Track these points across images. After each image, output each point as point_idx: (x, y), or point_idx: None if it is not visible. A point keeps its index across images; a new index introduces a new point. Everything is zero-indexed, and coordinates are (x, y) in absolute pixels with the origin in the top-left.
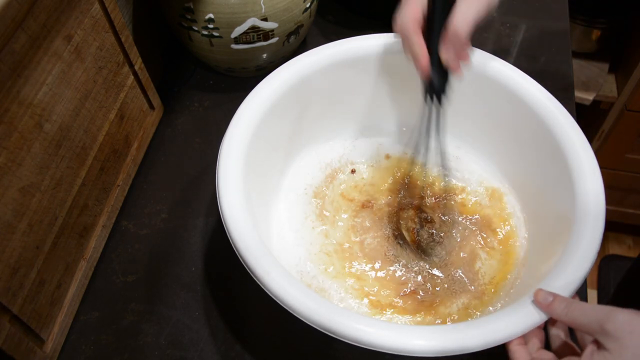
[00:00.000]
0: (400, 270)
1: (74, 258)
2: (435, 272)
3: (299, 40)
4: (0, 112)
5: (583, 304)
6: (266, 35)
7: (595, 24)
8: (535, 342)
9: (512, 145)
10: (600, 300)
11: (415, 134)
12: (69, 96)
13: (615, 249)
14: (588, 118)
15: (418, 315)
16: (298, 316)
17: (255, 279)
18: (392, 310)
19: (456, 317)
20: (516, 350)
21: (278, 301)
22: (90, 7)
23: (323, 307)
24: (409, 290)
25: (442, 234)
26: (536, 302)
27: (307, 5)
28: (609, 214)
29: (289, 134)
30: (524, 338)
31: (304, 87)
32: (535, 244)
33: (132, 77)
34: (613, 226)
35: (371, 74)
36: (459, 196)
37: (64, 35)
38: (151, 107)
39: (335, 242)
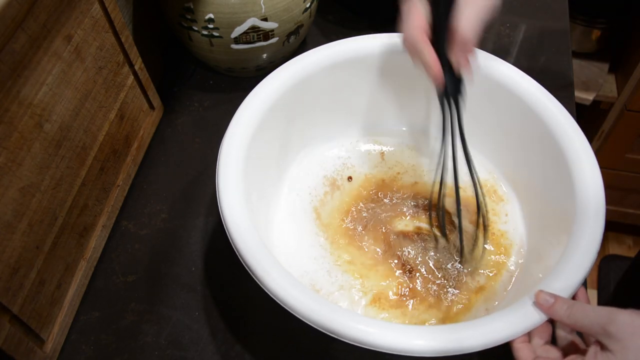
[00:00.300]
0: (400, 270)
1: (74, 258)
2: (435, 271)
3: (299, 40)
4: (0, 112)
5: (584, 305)
6: (266, 35)
7: (595, 24)
8: (542, 338)
9: (512, 145)
10: (600, 300)
11: (419, 143)
12: (69, 96)
13: (615, 249)
14: (588, 118)
15: (416, 315)
16: (298, 316)
17: (255, 279)
18: (392, 310)
19: (453, 316)
20: (520, 348)
21: (278, 301)
22: (90, 7)
23: (323, 307)
24: (408, 291)
25: (447, 246)
26: (537, 304)
27: (307, 5)
28: (609, 214)
29: (289, 134)
30: (529, 334)
31: (304, 87)
32: (535, 243)
33: (132, 77)
34: (613, 226)
35: (371, 74)
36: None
37: (64, 35)
38: (151, 107)
39: (335, 242)
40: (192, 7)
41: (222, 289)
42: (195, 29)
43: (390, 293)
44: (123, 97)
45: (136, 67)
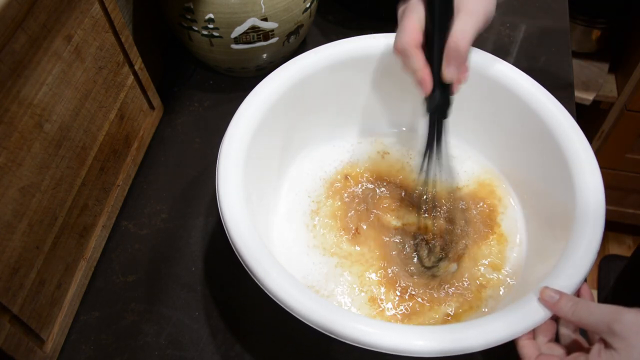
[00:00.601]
0: (400, 271)
1: (74, 258)
2: (435, 271)
3: (299, 40)
4: (0, 112)
5: (589, 303)
6: (266, 35)
7: (595, 24)
8: (546, 336)
9: (512, 145)
10: (600, 300)
11: (419, 144)
12: (69, 96)
13: (615, 249)
14: (588, 118)
15: (417, 314)
16: (298, 316)
17: (254, 279)
18: (392, 311)
19: (452, 316)
20: (524, 345)
21: (278, 302)
22: (90, 7)
23: (323, 307)
24: (408, 292)
25: (444, 247)
26: (542, 300)
27: (307, 5)
28: (609, 214)
29: (289, 134)
30: (533, 332)
31: (304, 87)
32: (534, 243)
33: (132, 77)
34: (613, 226)
35: (371, 74)
36: (460, 197)
37: (64, 35)
38: (151, 107)
39: (335, 242)
40: (192, 7)
41: (222, 289)
42: (195, 29)
43: (392, 291)
44: (123, 97)
45: (136, 67)
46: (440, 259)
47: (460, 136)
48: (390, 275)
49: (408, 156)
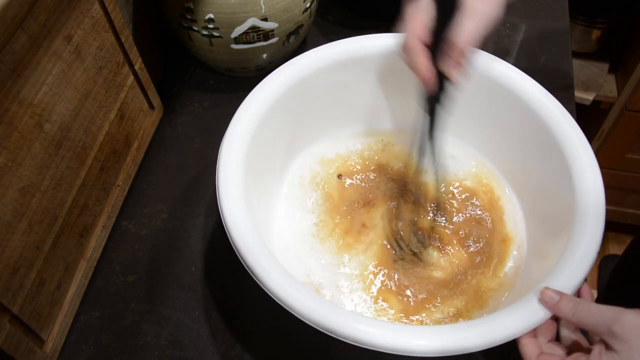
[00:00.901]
0: (402, 268)
1: (74, 258)
2: (433, 271)
3: (299, 40)
4: (0, 112)
5: (590, 304)
6: (266, 35)
7: (595, 24)
8: (546, 337)
9: (512, 145)
10: (600, 300)
11: (415, 139)
12: (69, 96)
13: (615, 249)
14: (588, 118)
15: (418, 313)
16: (298, 316)
17: (255, 278)
18: (395, 307)
19: (452, 315)
20: (526, 344)
21: (278, 301)
22: (90, 7)
23: (323, 306)
24: (408, 292)
25: (436, 236)
26: (542, 301)
27: (307, 5)
28: (609, 214)
29: (289, 134)
30: (534, 331)
31: (304, 87)
32: (534, 243)
33: (132, 77)
34: (613, 226)
35: (371, 74)
36: (460, 197)
37: (64, 35)
38: (151, 107)
39: (335, 241)
40: (192, 7)
41: (222, 289)
42: (195, 29)
43: (392, 290)
44: (123, 97)
45: (136, 67)
46: (440, 251)
47: (460, 136)
48: (392, 274)
49: (408, 154)
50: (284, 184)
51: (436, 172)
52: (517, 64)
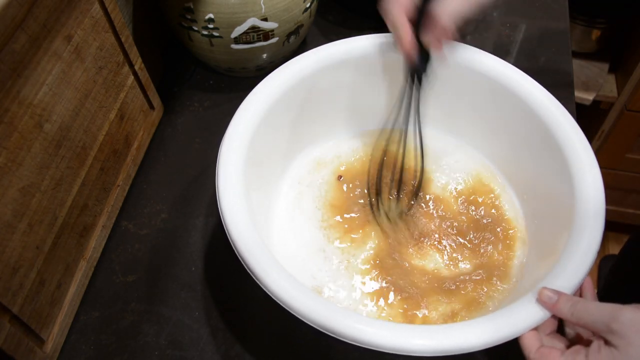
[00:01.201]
0: (401, 271)
1: (74, 258)
2: (432, 267)
3: (299, 40)
4: (0, 112)
5: (588, 302)
6: (266, 35)
7: (595, 24)
8: (547, 328)
9: (512, 145)
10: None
11: (394, 115)
12: (69, 96)
13: (615, 249)
14: (588, 118)
15: (419, 312)
16: (298, 316)
17: (254, 278)
18: (396, 306)
19: (453, 315)
20: (525, 337)
21: (278, 301)
22: (90, 7)
23: (323, 306)
24: (410, 287)
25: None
26: (540, 301)
27: (307, 5)
28: (609, 214)
29: (289, 134)
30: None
31: (304, 87)
32: (534, 243)
33: (132, 77)
34: (613, 226)
35: (371, 74)
36: (460, 197)
37: (64, 35)
38: (151, 107)
39: (334, 241)
40: (192, 7)
41: (222, 289)
42: (195, 29)
43: (394, 289)
44: (123, 97)
45: (136, 67)
46: (440, 251)
47: (460, 135)
48: (393, 273)
49: (408, 155)
50: (283, 183)
51: (418, 146)
52: (517, 64)
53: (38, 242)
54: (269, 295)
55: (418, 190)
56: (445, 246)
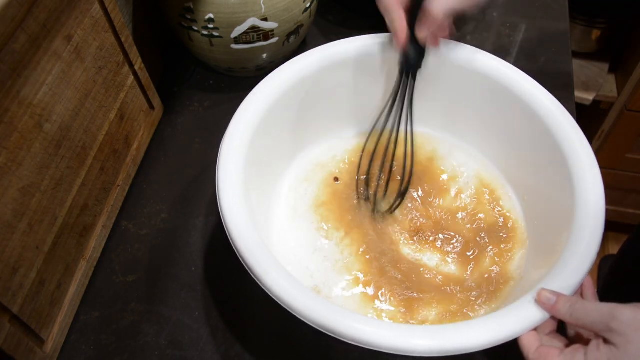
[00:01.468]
0: (402, 270)
1: (74, 258)
2: (431, 267)
3: (299, 40)
4: (0, 112)
5: (586, 303)
6: (266, 35)
7: (595, 24)
8: (547, 328)
9: (512, 145)
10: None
11: (434, 141)
12: (69, 96)
13: (615, 249)
14: (588, 118)
15: (417, 312)
16: (298, 316)
17: (254, 278)
18: (396, 306)
19: (453, 315)
20: (524, 337)
21: (278, 301)
22: (90, 7)
23: (323, 306)
24: (408, 291)
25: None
26: (539, 302)
27: (307, 5)
28: (609, 214)
29: (289, 134)
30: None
31: (304, 87)
32: (534, 243)
33: (132, 77)
34: (613, 226)
35: (371, 74)
36: (460, 197)
37: (64, 35)
38: (151, 107)
39: (334, 240)
40: (192, 7)
41: (222, 289)
42: (195, 29)
43: (391, 289)
44: (123, 97)
45: (136, 67)
46: (441, 251)
47: (460, 135)
48: (393, 272)
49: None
50: (283, 183)
51: (409, 137)
52: (517, 64)
53: (38, 242)
54: (269, 295)
55: (408, 184)
56: (444, 246)
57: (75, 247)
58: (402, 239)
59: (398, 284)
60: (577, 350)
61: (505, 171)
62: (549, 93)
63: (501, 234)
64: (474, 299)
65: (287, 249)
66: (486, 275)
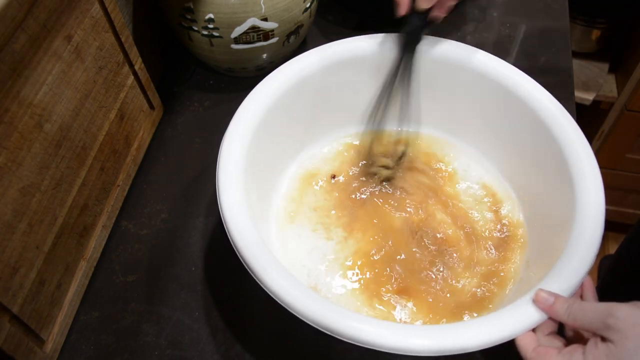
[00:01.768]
0: (401, 269)
1: (74, 258)
2: (430, 267)
3: (299, 40)
4: (0, 112)
5: (583, 303)
6: (266, 35)
7: (595, 24)
8: (546, 329)
9: (512, 145)
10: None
11: (433, 141)
12: (69, 96)
13: (615, 249)
14: (588, 118)
15: (415, 312)
16: (298, 315)
17: (255, 278)
18: (395, 305)
19: (452, 314)
20: (522, 338)
21: (278, 300)
22: (90, 7)
23: (322, 306)
24: (411, 286)
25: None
26: (536, 302)
27: (307, 5)
28: (609, 214)
29: (289, 134)
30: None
31: (304, 87)
32: (534, 243)
33: (132, 77)
34: (613, 226)
35: (371, 74)
36: (460, 197)
37: (64, 35)
38: (151, 107)
39: (334, 240)
40: (192, 7)
41: (222, 289)
42: (195, 29)
43: (394, 288)
44: (123, 97)
45: (136, 67)
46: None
47: (459, 136)
48: (393, 271)
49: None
50: (283, 183)
51: (404, 117)
52: (517, 64)
53: (38, 242)
54: (269, 295)
55: (404, 153)
56: (444, 245)
57: (75, 247)
58: (402, 238)
59: (398, 283)
60: (575, 349)
61: (504, 171)
62: (549, 93)
63: (501, 234)
64: (473, 299)
65: (287, 248)
66: (486, 276)
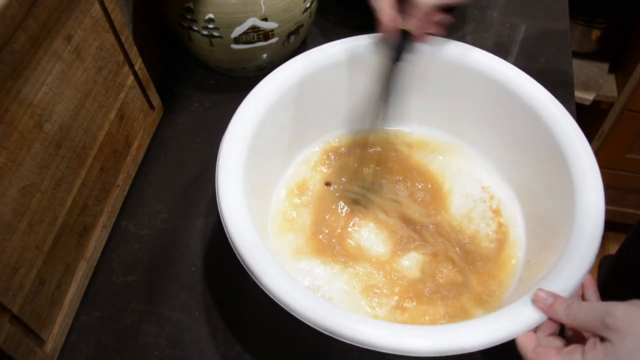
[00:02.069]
0: (400, 268)
1: (74, 258)
2: (430, 267)
3: (299, 40)
4: (0, 112)
5: (582, 303)
6: (266, 35)
7: (595, 24)
8: (547, 330)
9: (512, 145)
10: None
11: (432, 142)
12: (69, 96)
13: (615, 249)
14: (588, 118)
15: (414, 313)
16: (297, 316)
17: (254, 279)
18: (394, 305)
19: (453, 315)
20: (522, 338)
21: (277, 301)
22: (90, 7)
23: (322, 306)
24: (410, 286)
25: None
26: (535, 302)
27: (307, 5)
28: (609, 214)
29: (289, 134)
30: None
31: (304, 86)
32: (534, 243)
33: (132, 77)
34: (613, 226)
35: (371, 74)
36: (459, 197)
37: (64, 35)
38: (151, 107)
39: (335, 239)
40: (192, 7)
41: (222, 289)
42: (195, 29)
43: (393, 288)
44: (123, 97)
45: (136, 67)
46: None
47: (459, 135)
48: (392, 270)
49: (408, 154)
50: (284, 183)
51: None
52: (517, 64)
53: (38, 242)
54: (268, 296)
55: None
56: (443, 247)
57: (75, 247)
58: (402, 238)
59: (397, 283)
60: (574, 349)
61: (504, 171)
62: (549, 93)
63: (500, 235)
64: (473, 299)
65: (287, 249)
66: (485, 276)
